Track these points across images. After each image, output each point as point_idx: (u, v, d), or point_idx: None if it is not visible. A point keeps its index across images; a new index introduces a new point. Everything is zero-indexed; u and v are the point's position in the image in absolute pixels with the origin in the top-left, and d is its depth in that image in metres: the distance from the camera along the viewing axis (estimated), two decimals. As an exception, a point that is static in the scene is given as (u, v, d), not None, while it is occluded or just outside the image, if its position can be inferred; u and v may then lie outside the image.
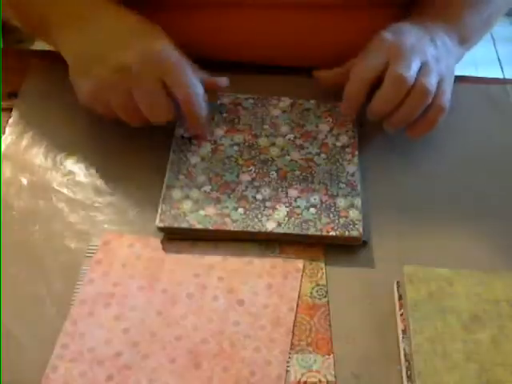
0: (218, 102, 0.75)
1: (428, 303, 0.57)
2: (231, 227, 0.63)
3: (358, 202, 0.66)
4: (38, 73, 0.79)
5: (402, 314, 0.58)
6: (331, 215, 0.64)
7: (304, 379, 0.55)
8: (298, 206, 0.65)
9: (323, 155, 0.70)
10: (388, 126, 0.70)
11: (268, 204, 0.65)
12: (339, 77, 0.73)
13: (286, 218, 0.64)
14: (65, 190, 0.68)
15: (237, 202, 0.65)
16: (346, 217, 0.64)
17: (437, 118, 0.69)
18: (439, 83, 0.69)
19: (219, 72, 0.73)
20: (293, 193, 0.67)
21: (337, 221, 0.64)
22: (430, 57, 0.70)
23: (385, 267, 0.62)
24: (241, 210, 0.65)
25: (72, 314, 0.58)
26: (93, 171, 0.69)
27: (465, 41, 0.77)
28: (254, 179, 0.68)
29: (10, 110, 0.75)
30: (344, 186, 0.67)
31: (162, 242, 0.63)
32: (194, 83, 0.67)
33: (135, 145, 0.72)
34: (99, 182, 0.69)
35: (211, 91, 0.71)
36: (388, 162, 0.72)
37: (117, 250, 0.62)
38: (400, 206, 0.68)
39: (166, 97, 0.66)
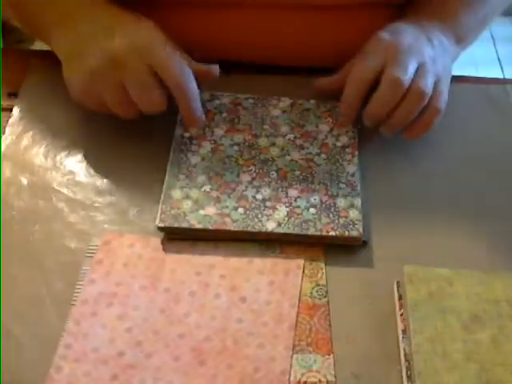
0: (218, 102, 0.75)
1: (428, 303, 0.57)
2: (231, 227, 0.63)
3: (357, 202, 0.66)
4: (37, 73, 0.79)
5: (402, 314, 0.58)
6: (331, 215, 0.64)
7: (304, 379, 0.55)
8: (298, 206, 0.65)
9: (323, 155, 0.70)
10: (384, 129, 0.70)
11: (268, 204, 0.65)
12: (337, 83, 0.73)
13: (286, 218, 0.64)
14: (65, 190, 0.68)
15: (237, 202, 0.65)
16: (346, 217, 0.64)
17: (432, 119, 0.69)
18: (436, 84, 0.69)
19: (219, 72, 0.72)
20: (293, 193, 0.67)
21: (337, 221, 0.64)
22: (427, 58, 0.70)
23: (385, 267, 0.62)
24: (241, 210, 0.65)
25: (74, 314, 0.58)
26: (93, 171, 0.69)
27: (461, 40, 0.77)
28: (254, 179, 0.68)
29: (10, 109, 0.75)
30: (344, 186, 0.67)
31: (163, 242, 0.63)
32: (184, 70, 0.67)
33: (135, 145, 0.72)
34: (99, 182, 0.69)
35: (203, 81, 0.71)
36: (388, 162, 0.72)
37: (117, 250, 0.62)
38: (400, 206, 0.68)
39: (157, 86, 0.66)
